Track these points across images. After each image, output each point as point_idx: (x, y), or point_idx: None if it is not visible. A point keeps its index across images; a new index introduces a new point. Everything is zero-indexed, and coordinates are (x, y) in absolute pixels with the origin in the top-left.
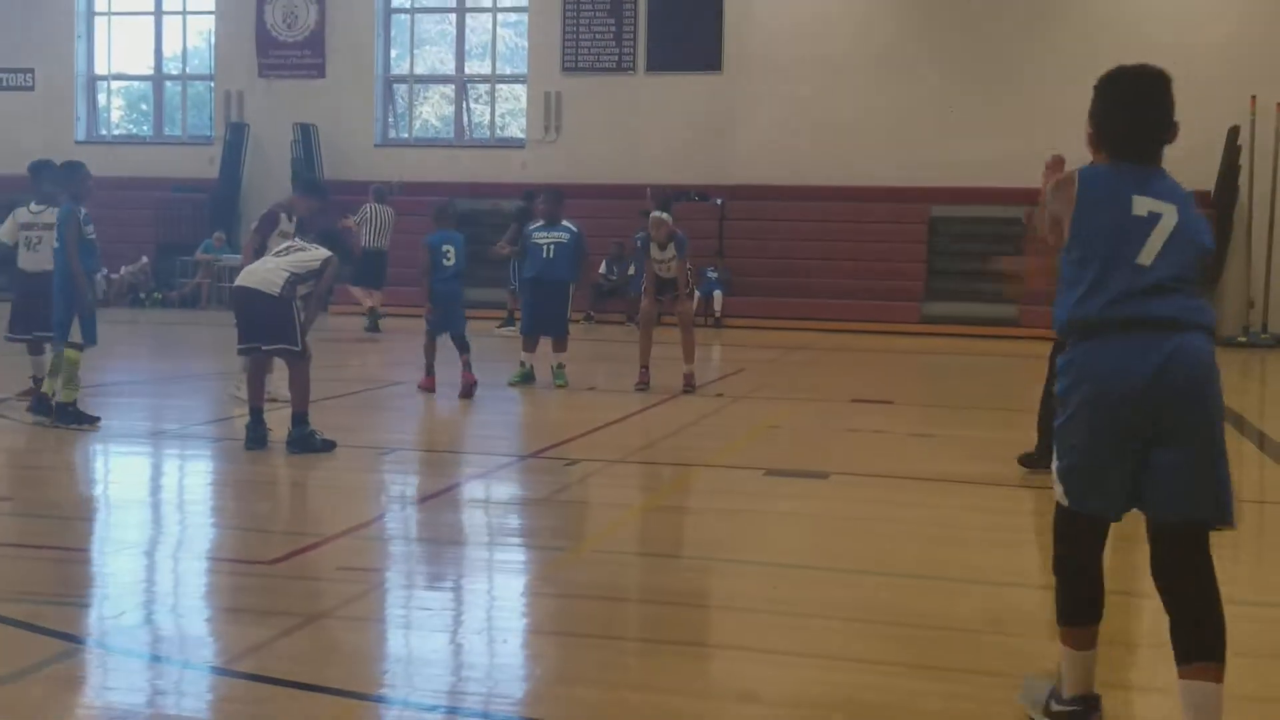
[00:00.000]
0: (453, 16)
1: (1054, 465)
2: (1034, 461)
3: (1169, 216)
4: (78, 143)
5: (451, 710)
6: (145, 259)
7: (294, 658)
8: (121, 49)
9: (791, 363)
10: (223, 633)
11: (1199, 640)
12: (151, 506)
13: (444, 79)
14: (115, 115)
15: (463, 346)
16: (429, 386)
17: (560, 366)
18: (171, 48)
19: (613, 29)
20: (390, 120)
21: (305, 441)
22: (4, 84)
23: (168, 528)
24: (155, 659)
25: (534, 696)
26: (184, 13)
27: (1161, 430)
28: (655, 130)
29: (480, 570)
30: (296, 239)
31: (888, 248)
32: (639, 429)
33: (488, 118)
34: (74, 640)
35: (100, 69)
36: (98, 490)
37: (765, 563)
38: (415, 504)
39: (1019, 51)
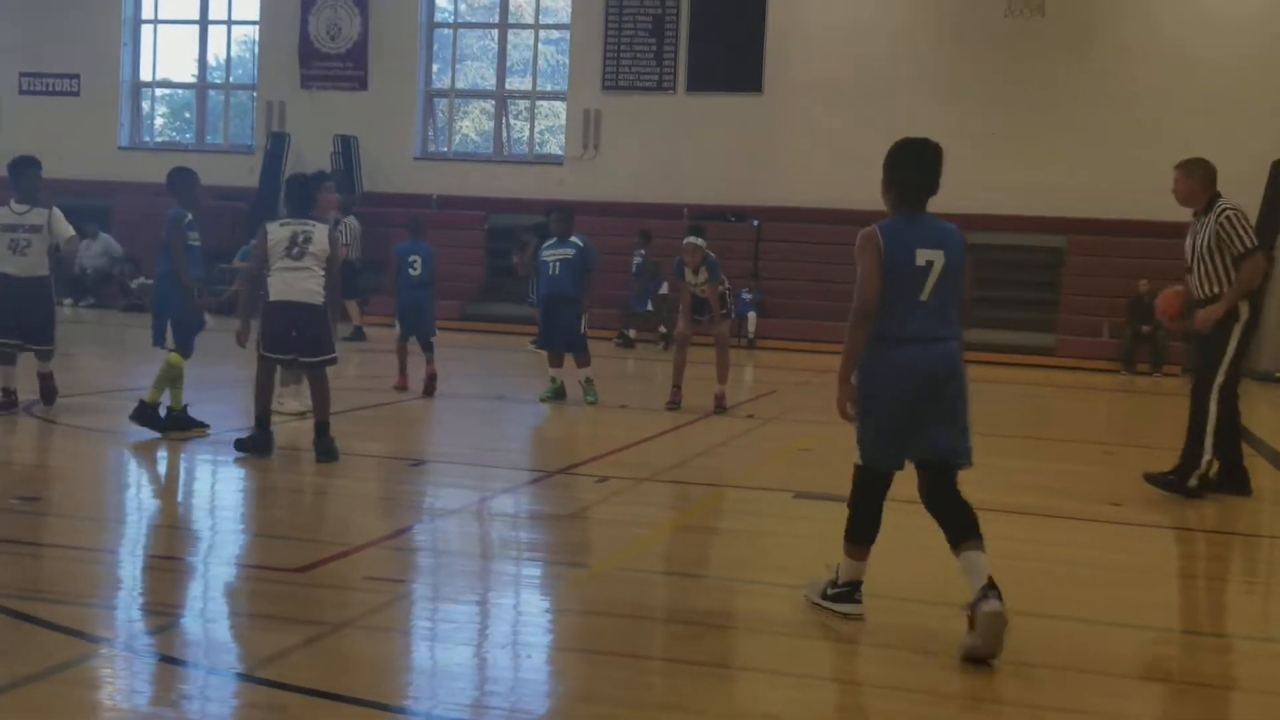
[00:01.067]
0: (495, 32)
1: (857, 435)
2: (1172, 485)
3: (938, 261)
4: (121, 148)
5: None
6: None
7: (318, 666)
8: (166, 57)
9: (824, 385)
10: (248, 639)
11: (963, 527)
12: (181, 511)
13: (484, 94)
14: (159, 122)
15: (427, 349)
16: (402, 385)
17: (589, 382)
18: (215, 56)
19: (653, 49)
20: (430, 134)
21: (332, 450)
22: (50, 89)
23: (196, 533)
24: (180, 663)
25: (556, 713)
26: (229, 22)
27: (932, 406)
28: (694, 150)
29: (506, 584)
30: (284, 221)
31: None
32: (669, 448)
33: (527, 134)
34: (100, 642)
35: (145, 76)
36: (128, 494)
37: (792, 585)
38: (443, 516)
39: (1059, 76)
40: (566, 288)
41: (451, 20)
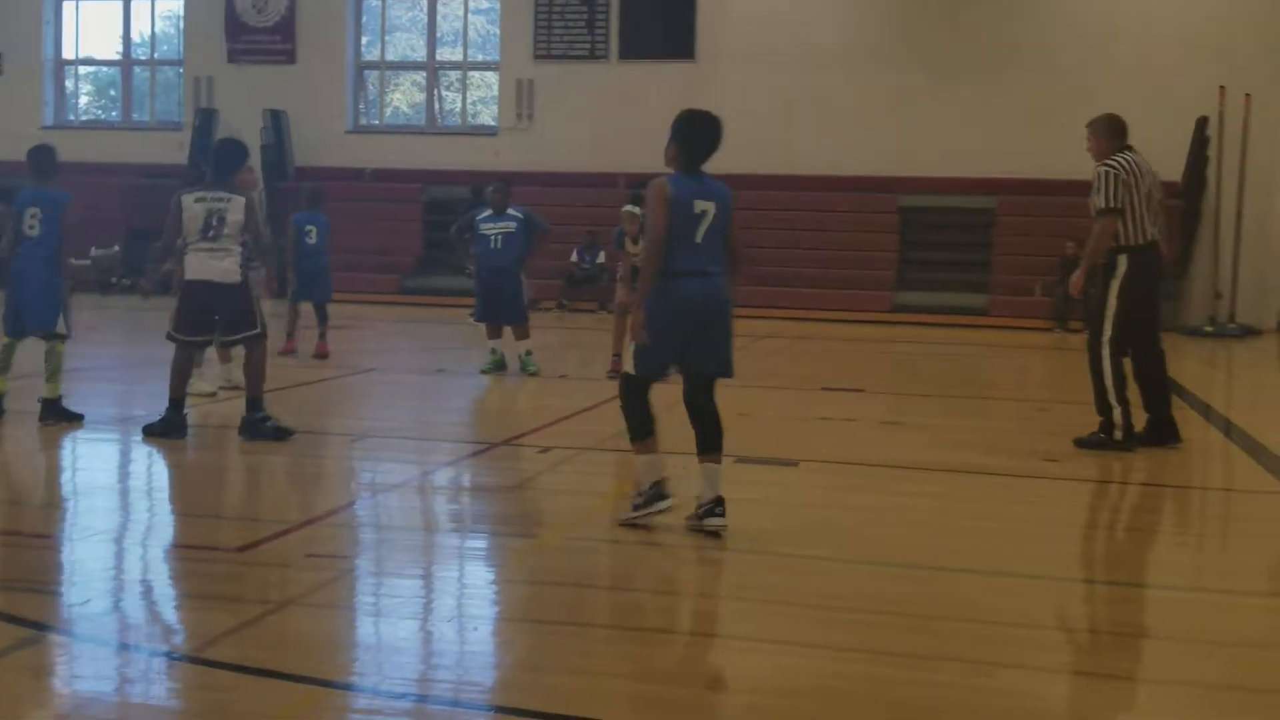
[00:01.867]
0: (424, 3)
1: (632, 349)
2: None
3: (710, 211)
4: (44, 128)
5: (420, 698)
6: (116, 246)
7: (262, 645)
8: (89, 33)
9: (762, 351)
10: (190, 620)
11: (709, 440)
12: (119, 494)
13: (415, 66)
14: (83, 100)
15: (322, 317)
16: (290, 350)
17: (528, 354)
18: (140, 33)
19: (585, 16)
20: (361, 107)
21: (257, 427)
22: None
23: (135, 515)
24: (122, 646)
25: (503, 684)
26: None
27: (701, 327)
28: (628, 118)
29: (450, 557)
30: (198, 195)
31: (859, 237)
32: (611, 417)
33: (459, 105)
34: (40, 627)
35: (68, 53)
36: (65, 478)
37: (734, 549)
38: (385, 491)
39: (991, 42)
40: (508, 261)
41: None
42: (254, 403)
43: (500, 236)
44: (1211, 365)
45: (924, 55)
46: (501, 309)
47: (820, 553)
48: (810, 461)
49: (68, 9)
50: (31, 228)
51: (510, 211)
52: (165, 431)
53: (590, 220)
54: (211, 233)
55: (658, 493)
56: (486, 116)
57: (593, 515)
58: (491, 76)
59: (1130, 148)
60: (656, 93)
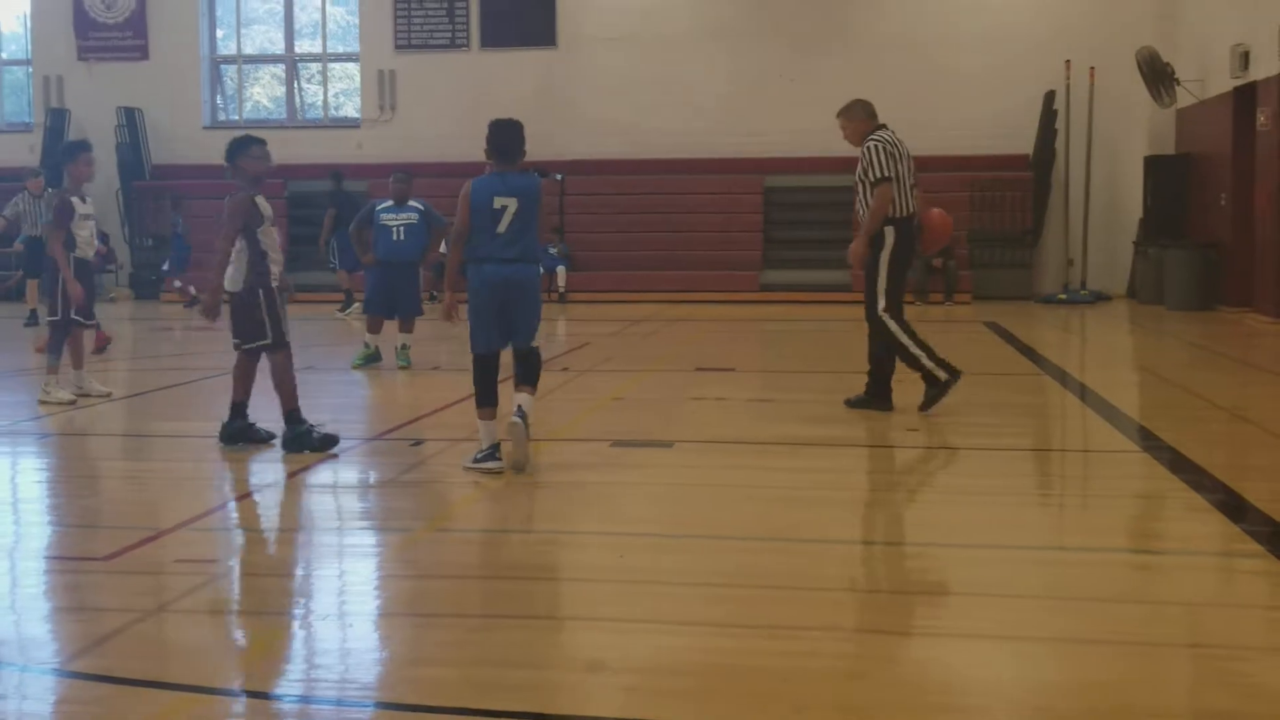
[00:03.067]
0: None
1: (469, 332)
2: (863, 403)
3: (512, 205)
4: None
5: (302, 699)
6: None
7: (135, 654)
8: None
9: (635, 335)
10: (59, 632)
11: (527, 376)
12: None
13: (274, 59)
14: None
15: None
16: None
17: (404, 347)
18: None
19: (445, 6)
20: (219, 102)
21: (304, 439)
22: None
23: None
24: None
25: (385, 679)
26: None
27: (511, 307)
28: (492, 107)
29: (326, 555)
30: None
31: (726, 218)
32: None
33: (321, 98)
34: None
35: None
36: None
37: (612, 533)
38: (257, 491)
39: (847, 20)
40: (411, 253)
41: None
42: (292, 415)
43: (402, 228)
44: (1066, 330)
45: (782, 34)
46: (399, 302)
47: (697, 531)
48: (684, 442)
49: None
50: None
51: (411, 203)
52: (224, 436)
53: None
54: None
55: (493, 455)
56: (349, 109)
57: (469, 505)
58: (352, 68)
59: (884, 126)
60: (519, 80)
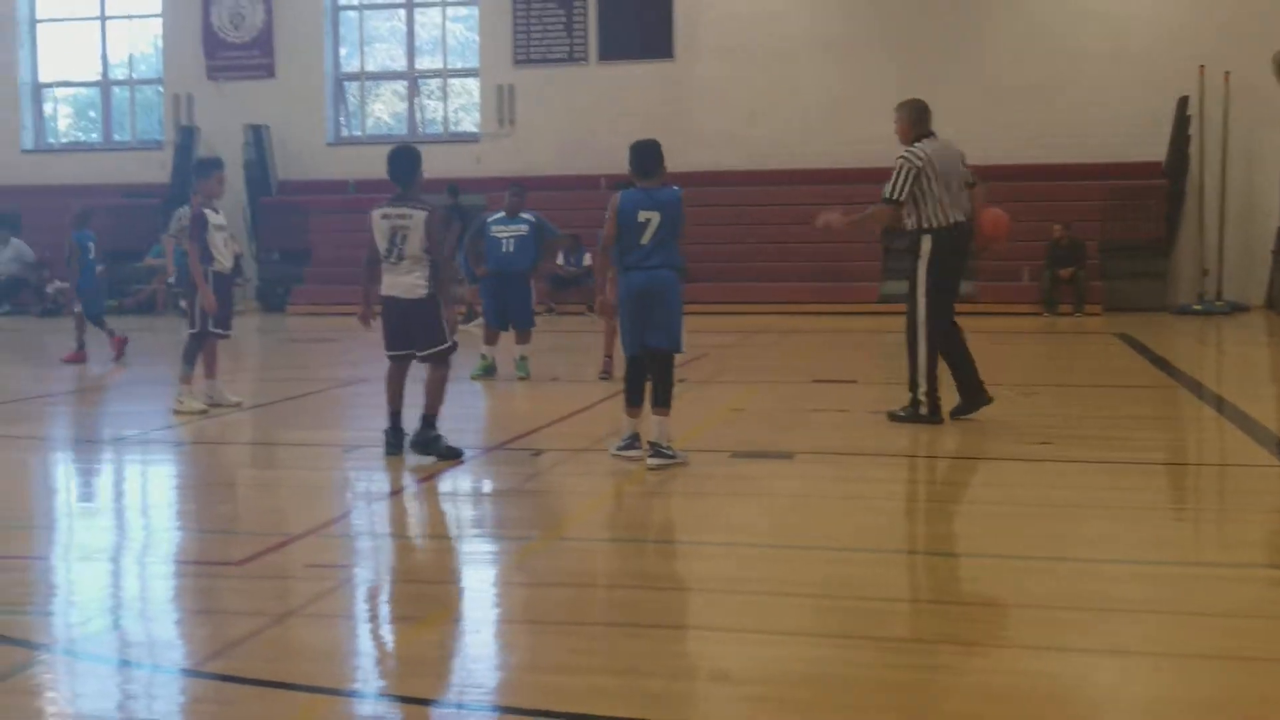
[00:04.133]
0: (402, 12)
1: (620, 336)
2: (964, 409)
3: (655, 218)
4: (25, 151)
5: (424, 702)
6: (101, 266)
7: (264, 657)
8: (67, 55)
9: (752, 347)
10: (192, 635)
11: (659, 395)
12: (116, 512)
13: (395, 75)
14: (63, 123)
15: (101, 325)
16: (78, 359)
17: (523, 359)
18: (118, 53)
19: (563, 20)
20: (342, 119)
21: (431, 444)
22: None
23: (133, 533)
24: (124, 664)
25: (507, 685)
26: (129, 16)
27: (651, 309)
28: (609, 120)
29: (449, 562)
30: (385, 212)
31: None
32: (604, 417)
33: (441, 113)
34: (42, 649)
35: (46, 77)
36: (61, 498)
37: (734, 544)
38: (382, 499)
39: (968, 29)
40: (520, 264)
41: (357, 3)
42: (429, 419)
43: (512, 240)
44: (1201, 342)
45: (901, 45)
46: (510, 313)
47: (819, 543)
48: (805, 454)
49: (44, 31)
50: None
51: (523, 215)
52: (387, 447)
53: (574, 223)
54: (395, 251)
55: (633, 444)
56: (468, 123)
57: (589, 515)
58: (472, 83)
59: (932, 134)
60: (636, 92)
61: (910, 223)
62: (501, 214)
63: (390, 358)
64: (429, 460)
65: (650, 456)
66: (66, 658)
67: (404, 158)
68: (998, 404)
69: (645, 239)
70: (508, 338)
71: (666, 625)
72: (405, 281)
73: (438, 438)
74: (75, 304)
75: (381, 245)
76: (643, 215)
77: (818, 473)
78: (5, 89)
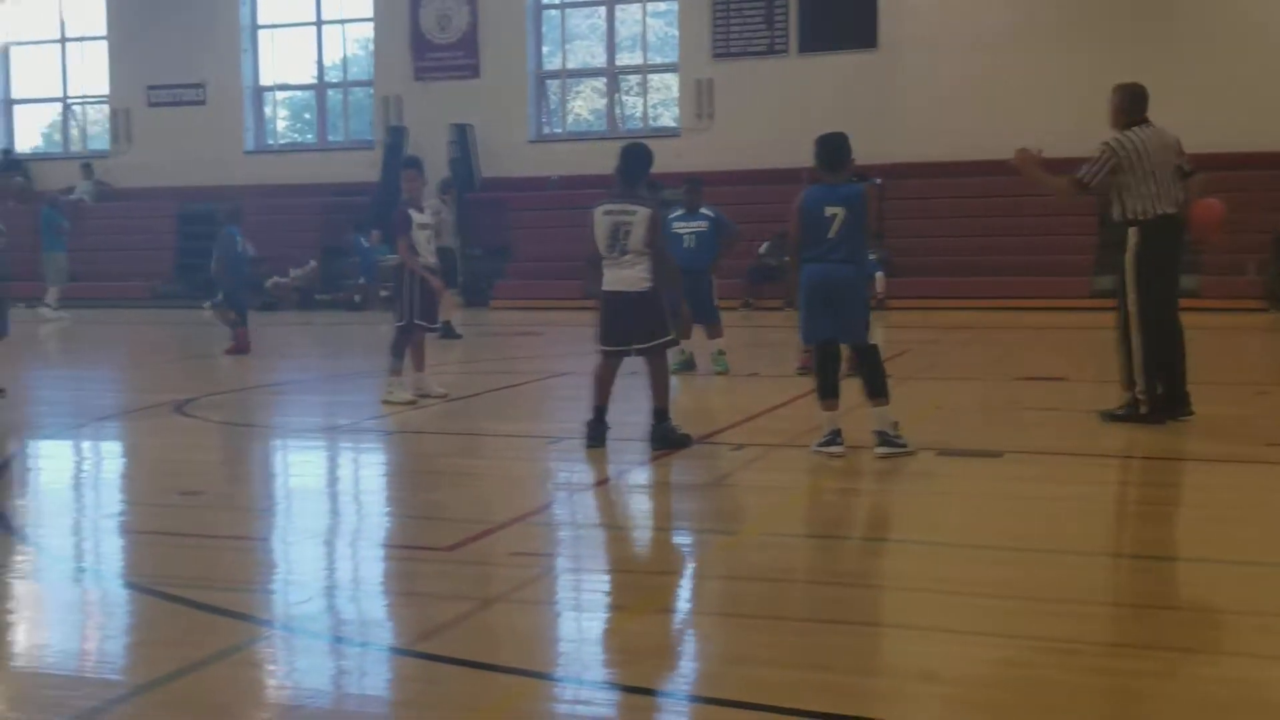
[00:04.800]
0: (602, 9)
1: (799, 326)
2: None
3: (840, 213)
4: (247, 153)
5: (625, 689)
6: (313, 263)
7: (470, 639)
8: (285, 60)
9: (957, 342)
10: (401, 616)
11: (873, 386)
12: (330, 498)
13: (595, 72)
14: (281, 124)
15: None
16: (241, 349)
17: (720, 353)
18: (331, 56)
19: (763, 12)
20: (543, 116)
21: (667, 435)
22: (178, 99)
23: (346, 517)
24: (338, 641)
25: (707, 676)
26: (343, 21)
27: (835, 303)
28: (810, 112)
29: (650, 554)
30: (608, 208)
31: (1055, 221)
32: (804, 413)
33: (640, 109)
34: (265, 624)
35: (265, 80)
36: (278, 484)
37: (940, 543)
38: (584, 490)
39: (1185, 10)
40: (700, 261)
41: (559, 1)
42: (662, 412)
43: (694, 235)
44: None
45: (1113, 29)
46: (696, 309)
47: (1029, 544)
48: (1015, 453)
49: (264, 38)
50: None
51: (703, 211)
52: (590, 440)
53: (775, 217)
54: (618, 247)
55: (834, 440)
56: (667, 118)
57: (790, 511)
58: (671, 78)
59: (1146, 120)
60: (838, 84)
61: (1116, 214)
62: (681, 210)
63: (605, 353)
64: (640, 452)
65: (878, 445)
66: (286, 634)
67: (637, 156)
68: (1222, 403)
69: (831, 233)
70: (699, 333)
71: (867, 622)
72: (629, 275)
73: (674, 428)
74: (217, 297)
75: (603, 242)
76: (828, 210)
77: (1025, 473)
78: (230, 93)
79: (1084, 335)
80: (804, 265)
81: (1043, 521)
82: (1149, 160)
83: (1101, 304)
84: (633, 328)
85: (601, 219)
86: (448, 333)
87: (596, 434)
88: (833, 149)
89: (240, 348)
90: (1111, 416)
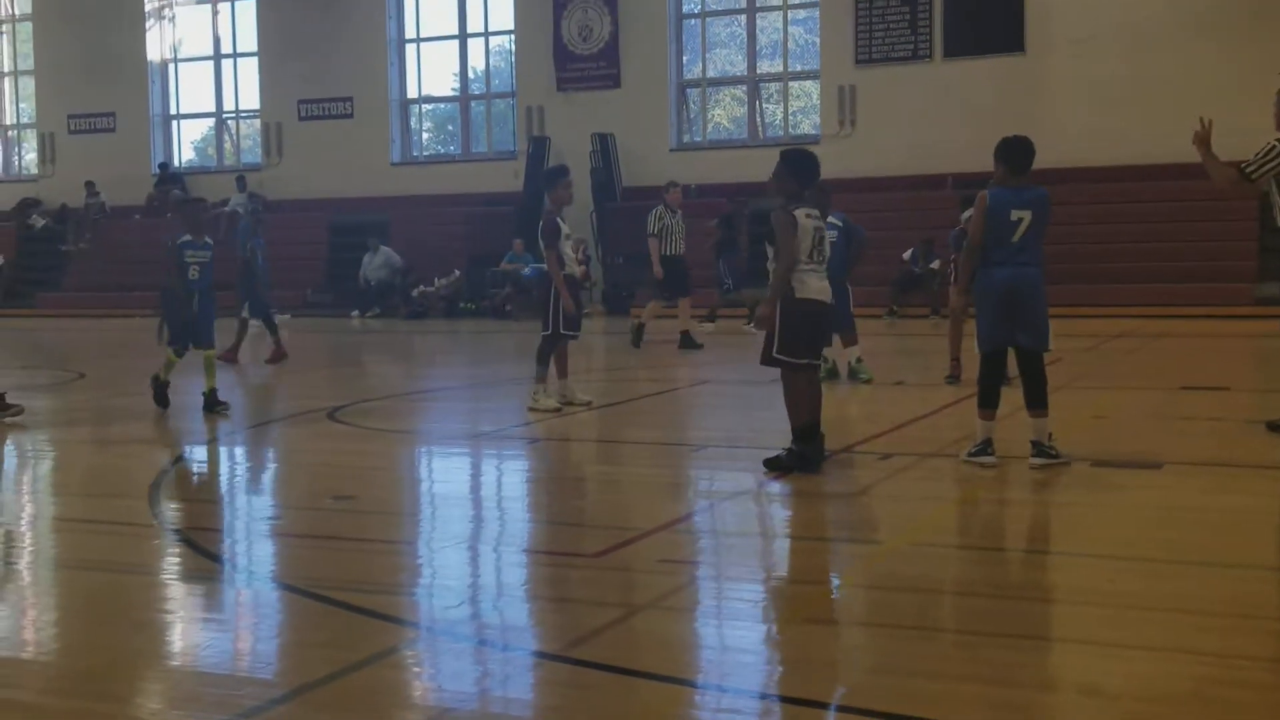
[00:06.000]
0: (743, 18)
1: (977, 331)
2: None
3: (1027, 217)
4: (393, 164)
5: (773, 698)
6: (458, 272)
7: (617, 645)
8: (429, 73)
9: (1114, 350)
10: (549, 622)
11: (1033, 398)
12: (477, 503)
13: (735, 80)
14: (425, 136)
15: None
16: (278, 356)
17: (859, 360)
18: (473, 68)
19: (907, 17)
20: (684, 125)
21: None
22: (326, 112)
23: (492, 524)
24: (492, 645)
25: (861, 687)
26: (486, 34)
27: (1019, 307)
28: (955, 118)
29: (795, 563)
30: (809, 212)
31: (1215, 226)
32: (952, 422)
33: (780, 117)
34: (411, 626)
35: (411, 93)
36: (426, 489)
37: (1098, 555)
38: (730, 498)
39: None
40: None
41: (699, 10)
42: (799, 433)
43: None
44: None
45: (1272, 27)
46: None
47: (1192, 557)
48: (1176, 464)
49: (409, 51)
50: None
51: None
52: (799, 464)
53: (918, 224)
54: (818, 253)
55: (986, 450)
56: (807, 126)
57: (941, 521)
58: (811, 86)
59: None
60: (984, 89)
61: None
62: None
63: (806, 365)
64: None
65: (1033, 456)
66: (436, 637)
67: (804, 161)
68: None
69: (1016, 237)
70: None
71: (1026, 635)
72: (826, 286)
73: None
74: (243, 309)
75: (805, 246)
76: (1015, 214)
77: (1188, 484)
78: (377, 105)
79: (1247, 343)
80: (987, 269)
81: (1204, 533)
82: None
83: (1265, 311)
84: (823, 338)
85: (805, 221)
86: (687, 343)
87: (816, 453)
88: (1021, 151)
89: (278, 355)
90: (1275, 427)
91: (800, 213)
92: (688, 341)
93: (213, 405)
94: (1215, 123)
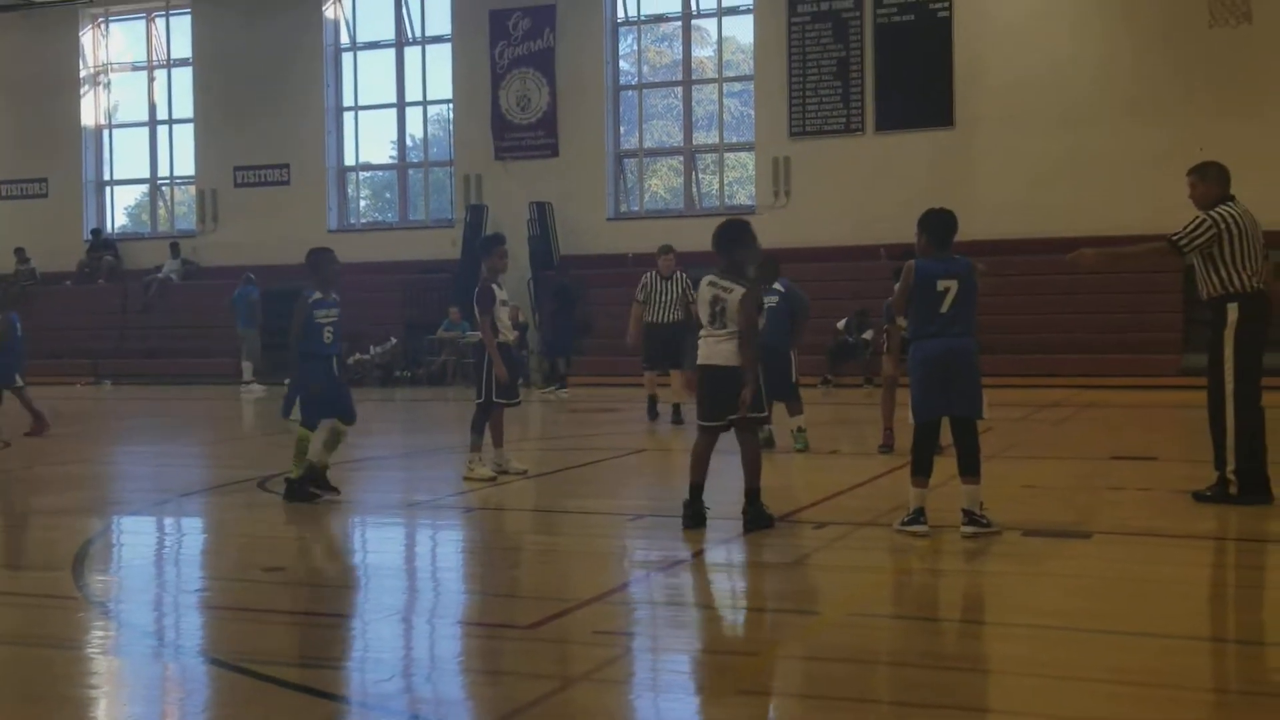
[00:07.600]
0: (679, 90)
1: (911, 405)
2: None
3: (954, 287)
4: (330, 231)
5: None
6: (394, 340)
7: (552, 719)
8: (367, 141)
9: (1043, 421)
10: (484, 695)
11: (968, 463)
12: (410, 574)
13: (672, 151)
14: (363, 204)
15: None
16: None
17: (800, 430)
18: (411, 136)
19: (839, 91)
20: (621, 194)
21: (760, 517)
22: (263, 179)
23: (426, 595)
24: None
25: None
26: (424, 102)
27: (953, 377)
28: (887, 190)
29: (731, 634)
30: (711, 279)
31: (1143, 299)
32: (886, 491)
33: (716, 187)
34: (343, 702)
35: (349, 160)
36: (359, 560)
37: (1028, 624)
38: (665, 568)
39: (1270, 83)
40: (773, 338)
41: (636, 82)
42: (755, 492)
43: (765, 311)
44: None
45: (1198, 104)
46: (771, 387)
47: (1120, 627)
48: (1105, 534)
49: (347, 119)
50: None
51: (774, 285)
52: (686, 520)
53: (852, 294)
54: (718, 319)
55: (918, 519)
56: (743, 196)
57: (875, 591)
58: (747, 157)
59: (1233, 198)
60: (915, 162)
61: (1210, 289)
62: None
63: (704, 428)
64: (719, 530)
65: (965, 524)
66: (369, 712)
67: (727, 234)
68: None
69: (945, 307)
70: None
71: (961, 706)
72: (725, 350)
73: (764, 508)
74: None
75: (704, 313)
76: (941, 284)
77: (1117, 554)
78: (314, 173)
79: (1174, 413)
80: (919, 342)
81: (1134, 604)
82: (1249, 235)
83: (1191, 382)
84: (730, 402)
85: (705, 289)
86: (676, 417)
87: (696, 514)
88: (944, 224)
89: (40, 429)
90: (1201, 497)
91: (704, 281)
92: (676, 416)
93: (325, 486)
94: (1142, 198)
